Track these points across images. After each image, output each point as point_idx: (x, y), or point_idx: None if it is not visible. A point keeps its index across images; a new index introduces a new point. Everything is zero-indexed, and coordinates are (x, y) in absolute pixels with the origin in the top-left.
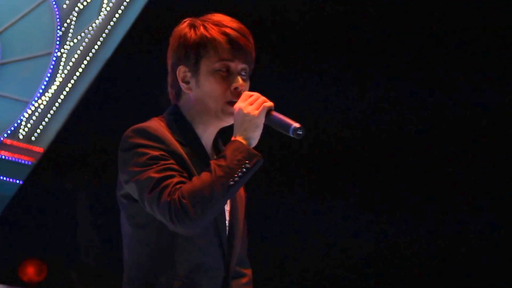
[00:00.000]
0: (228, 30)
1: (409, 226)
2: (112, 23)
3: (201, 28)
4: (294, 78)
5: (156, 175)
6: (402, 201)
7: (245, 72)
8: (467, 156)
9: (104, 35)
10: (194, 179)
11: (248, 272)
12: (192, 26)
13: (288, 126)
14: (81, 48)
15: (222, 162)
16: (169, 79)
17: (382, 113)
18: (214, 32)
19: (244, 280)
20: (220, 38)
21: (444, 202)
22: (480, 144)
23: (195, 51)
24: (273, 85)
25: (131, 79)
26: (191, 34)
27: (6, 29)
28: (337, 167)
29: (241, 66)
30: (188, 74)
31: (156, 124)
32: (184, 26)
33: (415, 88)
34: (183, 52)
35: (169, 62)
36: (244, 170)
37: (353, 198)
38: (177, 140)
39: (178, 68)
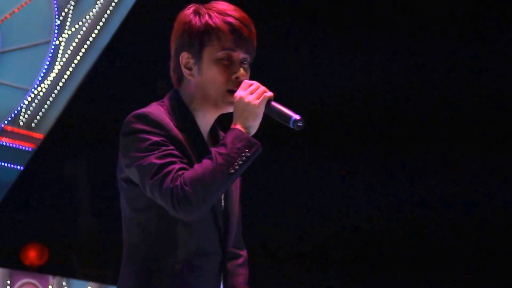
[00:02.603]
0: (231, 20)
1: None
2: (109, 11)
3: (206, 16)
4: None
5: (158, 161)
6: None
7: (246, 61)
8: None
9: (101, 23)
10: (196, 166)
11: (244, 253)
12: (197, 13)
13: (289, 117)
14: (79, 36)
15: (222, 150)
16: (172, 64)
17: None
18: (218, 21)
19: (240, 260)
20: (224, 27)
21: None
22: None
23: (199, 39)
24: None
25: (129, 66)
26: (195, 21)
27: (5, 18)
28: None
29: (243, 55)
30: (191, 61)
31: (156, 110)
32: (189, 12)
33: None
34: (187, 39)
35: (173, 46)
36: (244, 158)
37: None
38: (176, 126)
39: (181, 54)
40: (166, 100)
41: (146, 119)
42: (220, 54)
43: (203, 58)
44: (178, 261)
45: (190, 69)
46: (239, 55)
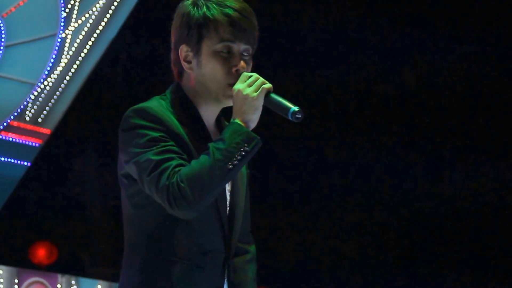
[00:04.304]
0: (230, 11)
1: None
2: (116, 3)
3: (204, 8)
4: None
5: (156, 157)
6: None
7: (247, 53)
8: None
9: (108, 15)
10: (193, 162)
11: (252, 248)
12: (195, 4)
13: (287, 109)
14: (86, 29)
15: (220, 145)
16: (172, 57)
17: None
18: (216, 12)
19: (247, 257)
20: (222, 19)
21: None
22: None
23: (197, 31)
24: None
25: (137, 59)
26: (194, 12)
27: (10, 11)
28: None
29: (243, 47)
30: (190, 54)
31: (157, 104)
32: (188, 3)
33: None
34: (186, 31)
35: (172, 39)
36: (243, 153)
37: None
38: (178, 120)
39: (180, 47)
40: (168, 93)
41: (145, 114)
42: (219, 46)
43: (201, 51)
44: (180, 259)
45: (189, 62)
46: (239, 46)
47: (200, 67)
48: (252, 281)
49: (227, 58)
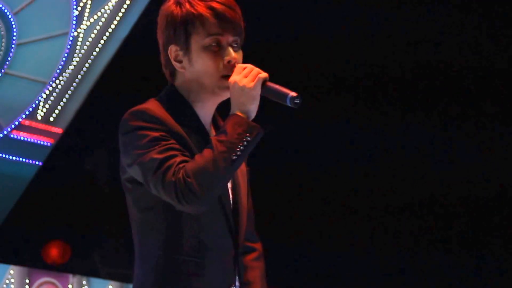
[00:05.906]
0: (214, 4)
1: None
2: (128, 1)
3: (187, 5)
4: None
5: (159, 156)
6: None
7: (236, 44)
8: None
9: (120, 13)
10: (197, 157)
11: (258, 246)
12: (178, 3)
13: (285, 95)
14: (98, 27)
15: (223, 137)
16: (162, 59)
17: None
18: (200, 7)
19: (254, 255)
20: (207, 13)
21: None
22: None
23: (184, 29)
24: None
25: (149, 57)
26: (177, 11)
27: (21, 9)
28: None
29: (231, 38)
30: (180, 53)
31: (154, 105)
32: (170, 4)
33: None
34: (172, 31)
35: (160, 42)
36: (246, 143)
37: None
38: (175, 120)
39: (169, 48)
40: (163, 95)
41: (143, 115)
42: (207, 40)
43: (191, 48)
44: (190, 257)
45: (180, 61)
46: (228, 38)
47: (191, 65)
48: (262, 278)
49: (217, 52)
